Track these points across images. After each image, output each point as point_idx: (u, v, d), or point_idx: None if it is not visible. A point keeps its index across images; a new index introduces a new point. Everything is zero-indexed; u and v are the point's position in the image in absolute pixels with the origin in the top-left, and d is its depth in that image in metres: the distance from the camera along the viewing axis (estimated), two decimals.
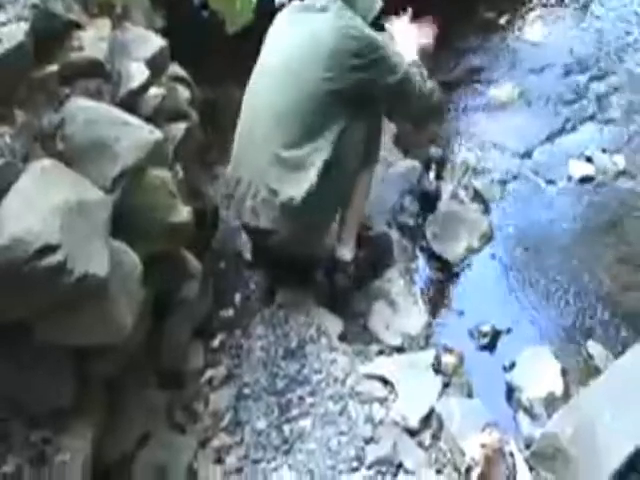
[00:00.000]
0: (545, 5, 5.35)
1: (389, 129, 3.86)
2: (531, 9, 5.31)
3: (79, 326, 1.91)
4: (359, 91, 2.72)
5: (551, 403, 2.54)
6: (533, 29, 5.12)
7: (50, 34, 2.16)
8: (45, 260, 1.73)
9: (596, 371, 2.66)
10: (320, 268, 3.03)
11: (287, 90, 2.70)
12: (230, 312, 2.86)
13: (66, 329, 1.91)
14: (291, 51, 2.73)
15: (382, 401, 2.51)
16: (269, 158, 2.68)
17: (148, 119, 2.34)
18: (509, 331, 2.95)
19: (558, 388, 2.59)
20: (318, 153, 2.65)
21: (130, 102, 2.35)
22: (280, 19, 2.90)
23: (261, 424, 2.46)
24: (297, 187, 2.64)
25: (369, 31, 2.74)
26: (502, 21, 5.20)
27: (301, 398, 2.53)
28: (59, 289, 1.78)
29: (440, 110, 3.42)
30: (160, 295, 2.39)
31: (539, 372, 2.67)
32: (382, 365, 2.65)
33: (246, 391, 2.57)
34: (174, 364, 2.55)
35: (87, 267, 1.81)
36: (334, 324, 2.83)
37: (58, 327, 1.90)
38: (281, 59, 2.75)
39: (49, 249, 1.74)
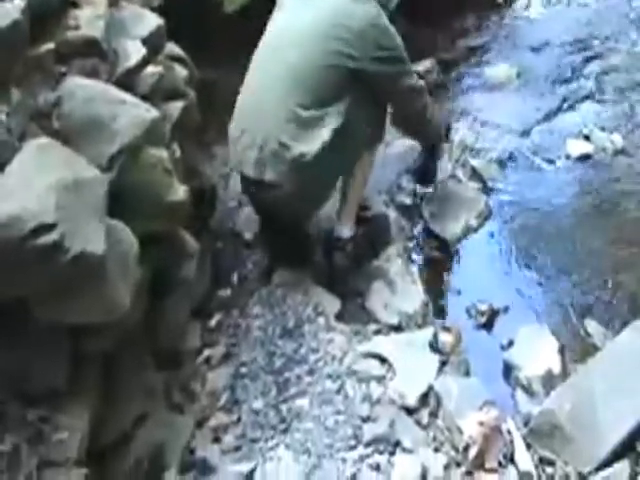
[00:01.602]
0: None
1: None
2: None
3: (76, 304, 1.90)
4: (375, 80, 2.80)
5: (549, 381, 2.54)
6: (531, 8, 5.10)
7: (46, 12, 2.16)
8: (41, 239, 1.73)
9: (594, 349, 2.66)
10: (319, 246, 3.03)
11: (311, 54, 2.72)
12: (228, 292, 2.87)
13: (63, 307, 1.90)
14: (322, 17, 2.74)
15: (380, 379, 2.51)
16: (284, 114, 2.70)
17: (145, 98, 2.33)
18: (507, 309, 2.95)
19: (556, 366, 2.59)
20: (331, 117, 2.70)
21: (127, 81, 2.34)
22: None
23: (258, 403, 2.46)
24: (310, 144, 2.68)
25: (394, 30, 2.84)
26: (500, 0, 5.17)
27: (298, 377, 2.53)
28: (56, 268, 1.77)
29: (438, 139, 3.37)
30: (157, 274, 2.38)
31: (537, 350, 2.67)
32: (380, 344, 2.66)
33: (243, 370, 2.57)
34: (172, 344, 2.55)
35: (84, 245, 1.80)
36: (332, 303, 2.84)
37: (55, 305, 1.89)
38: (309, 22, 2.75)
39: (45, 228, 1.73)
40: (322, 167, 2.71)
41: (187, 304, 2.64)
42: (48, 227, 1.74)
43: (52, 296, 1.86)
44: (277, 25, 2.87)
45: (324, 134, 2.68)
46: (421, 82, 3.02)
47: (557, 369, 2.58)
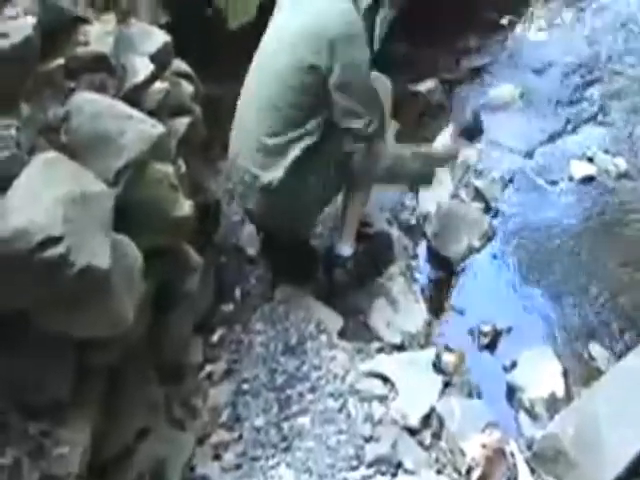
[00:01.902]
0: (547, 6, 5.36)
1: (391, 125, 3.86)
2: (532, 10, 5.32)
3: (81, 318, 1.90)
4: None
5: (552, 404, 2.54)
6: (534, 30, 5.12)
7: (57, 28, 2.17)
8: (47, 252, 1.73)
9: (598, 373, 2.65)
10: (320, 264, 3.04)
11: (270, 81, 2.74)
12: (230, 307, 2.87)
13: (67, 321, 1.90)
14: (304, 26, 2.70)
15: (382, 399, 2.51)
16: (254, 145, 2.77)
17: (151, 113, 2.34)
18: (510, 331, 2.94)
19: (559, 389, 2.59)
20: (297, 142, 2.71)
21: (134, 96, 2.35)
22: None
23: (260, 421, 2.46)
24: (275, 171, 2.73)
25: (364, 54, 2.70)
26: (504, 21, 5.20)
27: (300, 395, 2.53)
28: (61, 281, 1.77)
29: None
30: (161, 288, 2.38)
31: (540, 373, 2.67)
32: (382, 363, 2.66)
33: (245, 387, 2.57)
34: (174, 358, 2.54)
35: (89, 259, 1.80)
36: (334, 321, 2.84)
37: (59, 319, 1.89)
38: (292, 32, 2.74)
39: (51, 241, 1.74)
40: (291, 191, 2.76)
41: (190, 318, 2.64)
42: (55, 240, 1.74)
43: (57, 309, 1.86)
44: (269, 32, 2.88)
45: (288, 160, 2.72)
46: (371, 129, 2.74)
47: (561, 392, 2.58)
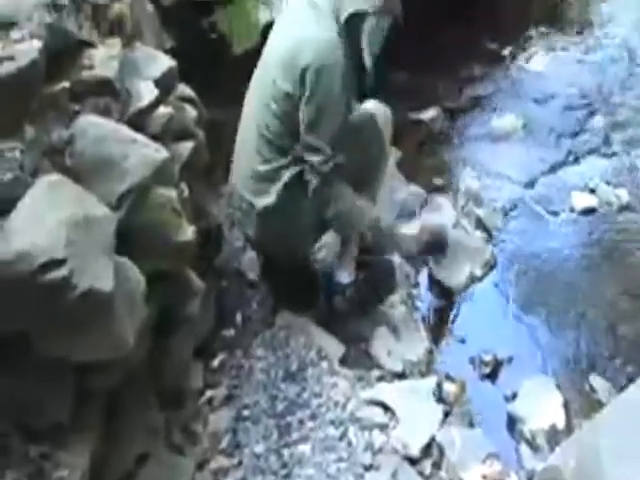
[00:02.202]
0: (548, 37, 5.40)
1: (394, 153, 3.87)
2: (534, 40, 5.36)
3: (82, 341, 1.90)
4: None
5: (553, 436, 2.52)
6: (536, 60, 5.15)
7: (62, 52, 2.18)
8: (50, 274, 1.73)
9: (599, 404, 2.64)
10: (320, 291, 3.03)
11: (258, 109, 2.76)
12: (231, 332, 2.86)
13: (68, 344, 1.90)
14: (282, 52, 2.68)
15: (382, 428, 2.49)
16: (248, 172, 2.80)
17: (155, 138, 2.34)
18: (511, 360, 2.93)
19: (560, 421, 2.57)
20: (288, 168, 2.73)
21: (138, 120, 2.35)
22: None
23: (260, 447, 2.44)
24: (268, 197, 2.76)
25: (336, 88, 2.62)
26: (505, 52, 5.24)
27: (301, 422, 2.51)
28: (63, 304, 1.77)
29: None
30: (162, 312, 2.37)
31: (541, 403, 2.66)
32: (383, 391, 2.64)
33: (245, 413, 2.55)
34: (175, 383, 2.53)
35: (92, 282, 1.80)
36: (335, 348, 2.83)
37: (60, 342, 1.88)
38: (273, 58, 2.73)
39: (54, 263, 1.74)
40: (284, 215, 2.77)
41: (191, 343, 2.63)
42: (57, 263, 1.74)
43: (58, 332, 1.86)
44: (263, 54, 2.87)
45: (279, 185, 2.73)
46: (325, 168, 2.67)
47: (561, 424, 2.57)
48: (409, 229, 3.36)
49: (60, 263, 1.74)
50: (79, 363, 1.96)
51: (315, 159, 2.67)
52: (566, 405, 2.65)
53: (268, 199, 2.75)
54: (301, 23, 2.68)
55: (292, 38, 2.65)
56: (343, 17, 2.62)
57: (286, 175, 2.72)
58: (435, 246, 3.29)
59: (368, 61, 2.69)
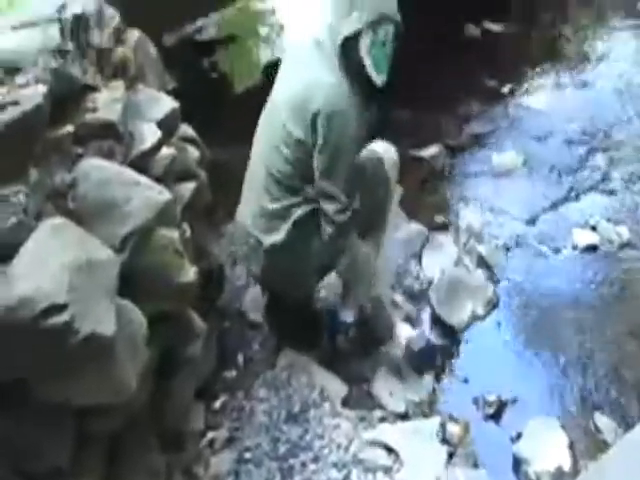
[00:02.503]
0: (546, 73, 5.45)
1: (395, 191, 3.88)
2: (533, 77, 5.41)
3: (83, 385, 1.89)
4: None
5: (559, 477, 2.50)
6: (535, 97, 5.20)
7: (67, 96, 2.20)
8: (52, 319, 1.73)
9: (604, 445, 2.62)
10: (323, 330, 3.02)
11: (268, 152, 2.74)
12: (233, 373, 2.85)
13: (69, 389, 1.89)
14: (289, 97, 2.66)
15: (386, 470, 2.47)
16: (257, 210, 2.79)
17: (158, 179, 2.36)
18: (515, 401, 2.90)
19: (566, 462, 2.55)
20: (298, 207, 2.72)
21: (141, 162, 2.37)
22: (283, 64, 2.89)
23: None
24: (277, 235, 2.74)
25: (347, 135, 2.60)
26: (505, 89, 5.29)
27: (303, 464, 2.50)
28: (65, 349, 1.77)
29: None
30: (164, 354, 2.37)
31: (546, 444, 2.63)
32: (386, 432, 2.62)
33: (247, 455, 2.53)
34: (176, 425, 2.51)
35: (94, 326, 1.80)
36: (337, 388, 2.81)
37: (61, 386, 1.88)
38: (280, 103, 2.72)
39: (56, 308, 1.74)
40: (293, 252, 2.76)
41: (192, 385, 2.62)
42: (59, 308, 1.74)
43: (59, 376, 1.85)
44: (269, 99, 2.86)
45: (289, 223, 2.73)
46: (342, 218, 2.68)
47: (567, 465, 2.54)
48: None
49: (62, 308, 1.74)
50: (80, 407, 1.95)
51: (331, 207, 2.66)
52: (571, 446, 2.63)
53: (277, 236, 2.75)
54: (308, 65, 2.66)
55: (301, 82, 2.63)
56: (339, 43, 2.58)
57: (296, 213, 2.72)
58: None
59: (376, 77, 2.62)
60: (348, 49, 2.59)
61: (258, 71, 5.46)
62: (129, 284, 2.06)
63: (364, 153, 2.86)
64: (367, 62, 2.59)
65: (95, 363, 1.86)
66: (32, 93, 1.98)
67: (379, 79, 2.63)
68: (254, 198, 2.82)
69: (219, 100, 4.71)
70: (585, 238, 3.75)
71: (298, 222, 2.72)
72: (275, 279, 2.93)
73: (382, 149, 3.00)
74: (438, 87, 5.06)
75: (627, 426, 2.66)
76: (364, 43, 2.57)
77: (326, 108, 2.53)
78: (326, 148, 2.58)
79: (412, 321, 3.22)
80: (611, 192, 4.13)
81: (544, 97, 5.20)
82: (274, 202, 2.74)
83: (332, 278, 2.90)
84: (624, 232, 3.77)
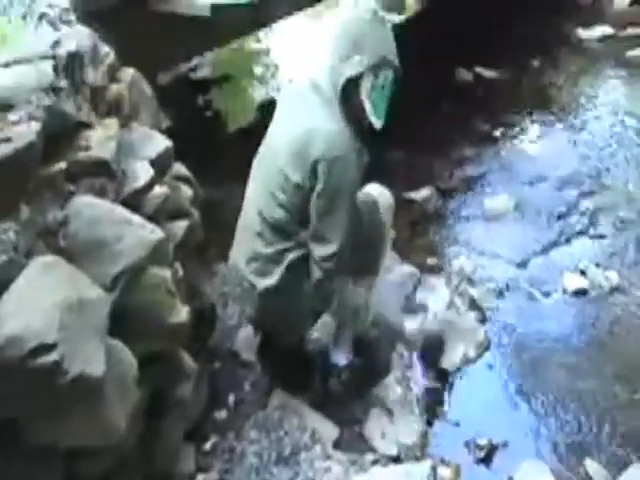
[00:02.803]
0: (537, 119, 5.51)
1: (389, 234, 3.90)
2: (524, 122, 5.47)
3: (71, 427, 1.88)
4: None
5: None
6: (526, 141, 5.25)
7: (60, 133, 2.21)
8: (41, 359, 1.72)
9: None
10: (315, 372, 3.00)
11: (263, 195, 2.72)
12: (224, 413, 2.81)
13: (57, 430, 1.87)
14: (289, 141, 2.62)
15: None
16: (250, 254, 2.77)
17: (150, 218, 2.35)
18: (506, 445, 2.88)
19: None
20: (292, 251, 2.70)
21: (134, 200, 2.37)
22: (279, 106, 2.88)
23: None
24: (271, 278, 2.72)
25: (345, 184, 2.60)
26: (497, 133, 5.34)
27: None
28: (53, 389, 1.75)
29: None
30: (154, 394, 2.34)
31: None
32: (377, 475, 2.58)
33: None
34: (166, 467, 2.47)
35: (83, 367, 1.79)
36: (329, 430, 2.78)
37: (50, 427, 1.86)
38: (278, 146, 2.68)
39: (45, 348, 1.73)
40: (286, 295, 2.74)
41: (182, 426, 2.58)
42: (49, 347, 1.74)
43: (47, 417, 1.83)
44: (264, 142, 2.84)
45: (282, 266, 2.71)
46: (328, 265, 2.65)
47: None
48: (411, 324, 3.37)
49: (51, 347, 1.73)
50: (68, 449, 1.92)
51: (318, 253, 2.64)
52: None
53: (270, 280, 2.72)
54: (307, 109, 2.63)
55: (301, 127, 2.59)
56: (340, 85, 2.57)
57: (289, 257, 2.70)
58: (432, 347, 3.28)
59: (375, 121, 2.61)
60: (349, 92, 2.58)
61: (252, 110, 5.51)
62: (120, 323, 2.05)
63: (359, 196, 2.83)
64: (367, 106, 2.58)
65: (84, 404, 1.84)
66: (25, 130, 1.99)
67: (378, 123, 2.61)
68: (247, 242, 2.81)
69: (213, 139, 4.73)
70: (575, 282, 3.76)
71: (291, 266, 2.71)
72: (269, 321, 2.92)
73: (377, 192, 3.01)
74: (431, 130, 5.11)
75: (617, 471, 2.64)
76: (365, 86, 2.56)
77: (327, 154, 2.51)
78: (325, 193, 2.56)
79: (404, 363, 3.20)
80: (600, 236, 4.16)
81: (535, 142, 5.25)
82: (268, 246, 2.72)
83: (325, 320, 2.88)
84: (613, 277, 3.79)
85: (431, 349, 3.28)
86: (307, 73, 2.77)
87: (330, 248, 2.62)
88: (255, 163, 2.86)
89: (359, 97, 2.58)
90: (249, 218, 2.80)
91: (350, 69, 2.55)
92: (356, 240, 2.75)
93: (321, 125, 2.56)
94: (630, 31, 7.09)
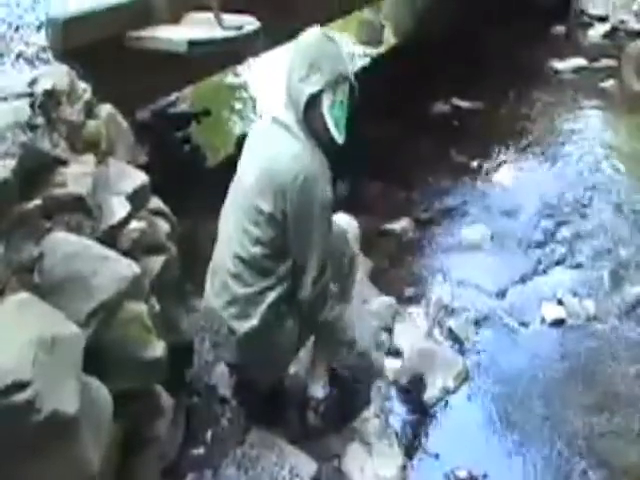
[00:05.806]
0: (514, 150, 5.58)
1: (365, 264, 3.90)
2: (501, 154, 5.53)
3: (44, 467, 1.84)
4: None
5: None
6: (503, 173, 5.31)
7: (36, 170, 2.21)
8: (14, 397, 1.70)
9: None
10: (292, 406, 2.99)
11: (236, 233, 2.70)
12: (201, 450, 2.77)
13: (30, 470, 1.83)
14: (258, 176, 2.63)
15: None
16: (227, 298, 2.72)
17: (126, 252, 2.35)
18: (485, 476, 2.86)
19: None
20: (271, 290, 2.67)
21: (110, 236, 2.37)
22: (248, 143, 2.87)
23: None
24: (250, 321, 2.67)
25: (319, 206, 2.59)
26: (474, 164, 5.39)
27: None
28: (26, 428, 1.73)
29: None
30: (129, 431, 2.32)
31: None
32: None
33: None
34: None
35: (56, 405, 1.76)
36: (307, 465, 2.75)
37: (23, 467, 1.82)
38: (248, 183, 2.68)
39: (18, 386, 1.70)
40: (267, 337, 2.71)
41: (158, 463, 2.55)
42: (22, 385, 1.71)
43: (19, 457, 1.80)
44: (236, 176, 2.83)
45: (262, 307, 2.67)
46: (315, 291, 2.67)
47: None
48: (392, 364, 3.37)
49: (25, 385, 1.70)
50: None
51: (304, 281, 2.64)
52: None
53: (251, 322, 2.67)
54: (271, 141, 2.65)
55: (264, 157, 2.62)
56: (302, 104, 2.58)
57: (271, 296, 2.66)
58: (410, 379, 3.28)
59: (337, 136, 2.62)
60: (310, 109, 2.60)
61: (231, 144, 5.53)
62: (96, 359, 2.03)
63: None
64: (329, 121, 2.60)
65: (58, 442, 1.82)
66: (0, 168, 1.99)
67: (340, 138, 2.63)
68: (222, 286, 2.75)
69: (192, 173, 4.74)
70: (552, 312, 3.79)
71: (273, 304, 2.67)
72: (249, 366, 2.86)
73: (344, 222, 3.02)
74: (408, 162, 5.16)
75: None
76: (325, 103, 2.59)
77: (291, 177, 2.53)
78: (296, 215, 2.57)
79: (383, 395, 3.19)
80: (577, 266, 4.21)
81: (512, 172, 5.32)
82: (246, 287, 2.67)
83: (300, 354, 2.87)
84: (590, 306, 3.83)
85: (410, 380, 3.27)
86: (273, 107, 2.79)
87: (310, 274, 2.63)
88: (225, 206, 2.84)
89: (321, 113, 2.60)
90: (223, 261, 2.76)
91: (310, 87, 2.58)
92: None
93: (283, 150, 2.59)
94: (604, 62, 7.24)
